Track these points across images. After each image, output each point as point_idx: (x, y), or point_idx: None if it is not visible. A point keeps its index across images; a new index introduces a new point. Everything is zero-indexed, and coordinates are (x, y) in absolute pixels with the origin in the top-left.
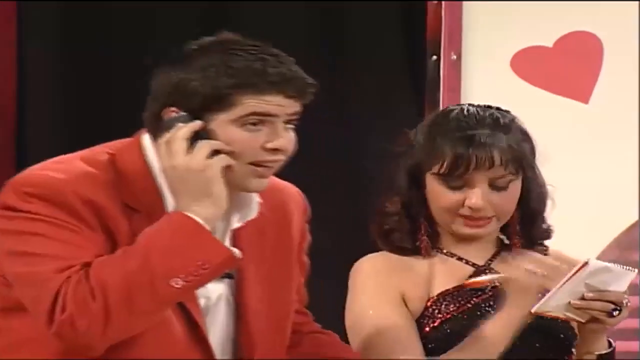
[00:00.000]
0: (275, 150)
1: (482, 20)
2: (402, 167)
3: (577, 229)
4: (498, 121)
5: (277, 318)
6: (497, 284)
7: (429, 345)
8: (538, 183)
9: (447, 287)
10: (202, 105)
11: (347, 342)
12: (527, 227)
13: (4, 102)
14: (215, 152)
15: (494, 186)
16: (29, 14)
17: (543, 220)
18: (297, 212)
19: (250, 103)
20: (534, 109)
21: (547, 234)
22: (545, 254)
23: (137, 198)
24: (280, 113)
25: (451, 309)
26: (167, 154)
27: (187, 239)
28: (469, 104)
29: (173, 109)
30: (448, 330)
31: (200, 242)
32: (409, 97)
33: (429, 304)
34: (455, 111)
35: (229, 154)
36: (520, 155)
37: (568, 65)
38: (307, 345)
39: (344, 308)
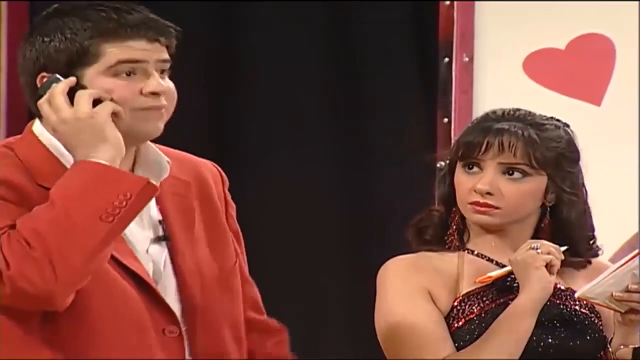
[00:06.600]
0: (154, 95)
1: (494, 22)
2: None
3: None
4: (528, 117)
5: (218, 276)
6: (507, 274)
7: (456, 345)
8: (573, 193)
9: (474, 288)
10: (69, 63)
11: (378, 344)
12: (562, 237)
13: (17, 101)
14: (97, 101)
15: (507, 174)
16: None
17: (584, 234)
18: (213, 181)
19: (114, 51)
20: (546, 111)
21: (590, 251)
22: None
23: (48, 178)
24: (147, 58)
25: (475, 309)
26: (52, 111)
27: (98, 180)
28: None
29: (43, 74)
30: (473, 330)
31: (113, 178)
32: (421, 99)
33: (455, 303)
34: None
35: (112, 102)
36: (541, 150)
37: (580, 68)
38: None
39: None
